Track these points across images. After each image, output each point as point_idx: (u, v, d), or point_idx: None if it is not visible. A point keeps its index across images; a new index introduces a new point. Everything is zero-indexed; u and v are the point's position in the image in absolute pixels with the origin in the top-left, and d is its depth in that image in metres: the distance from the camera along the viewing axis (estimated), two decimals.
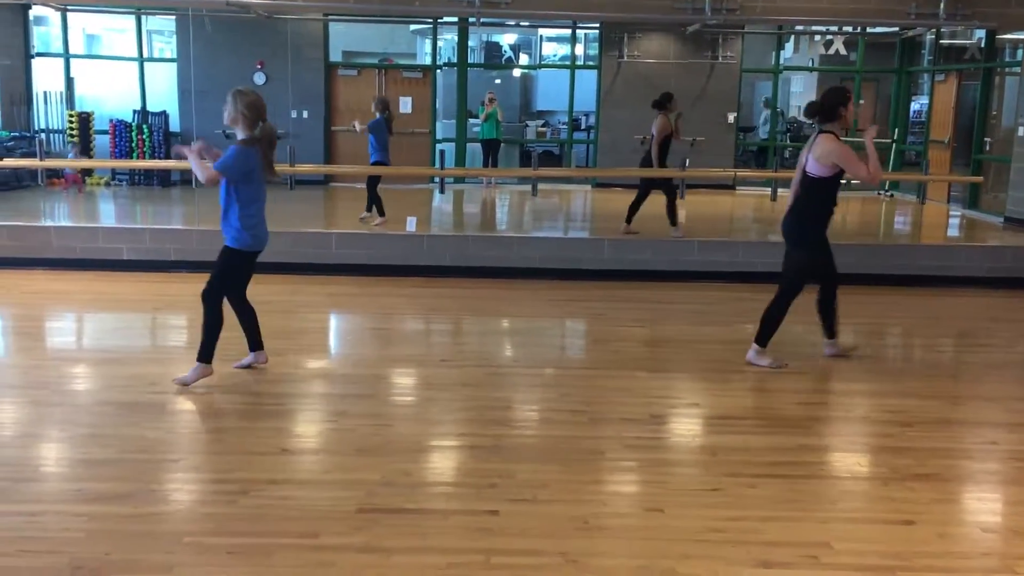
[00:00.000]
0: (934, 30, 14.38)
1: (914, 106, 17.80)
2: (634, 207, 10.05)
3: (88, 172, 14.11)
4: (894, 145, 15.64)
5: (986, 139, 13.53)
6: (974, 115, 13.66)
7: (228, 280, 5.45)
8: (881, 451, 4.68)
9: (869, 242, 10.08)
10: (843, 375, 5.98)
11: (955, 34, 15.25)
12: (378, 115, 10.33)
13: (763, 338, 6.00)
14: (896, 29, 14.91)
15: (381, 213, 10.34)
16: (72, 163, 13.32)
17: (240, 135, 5.19)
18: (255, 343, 5.68)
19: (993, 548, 3.63)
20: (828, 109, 5.76)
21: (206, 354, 5.31)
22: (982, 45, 13.74)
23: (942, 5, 11.26)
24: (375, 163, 10.47)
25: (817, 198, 5.85)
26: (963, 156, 14.34)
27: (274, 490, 3.97)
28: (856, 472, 4.44)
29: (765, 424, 4.99)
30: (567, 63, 16.63)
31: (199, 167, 5.20)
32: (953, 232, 11.96)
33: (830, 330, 6.25)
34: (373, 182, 10.51)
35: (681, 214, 10.21)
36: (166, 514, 3.79)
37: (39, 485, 4.07)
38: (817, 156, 5.70)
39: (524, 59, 20.29)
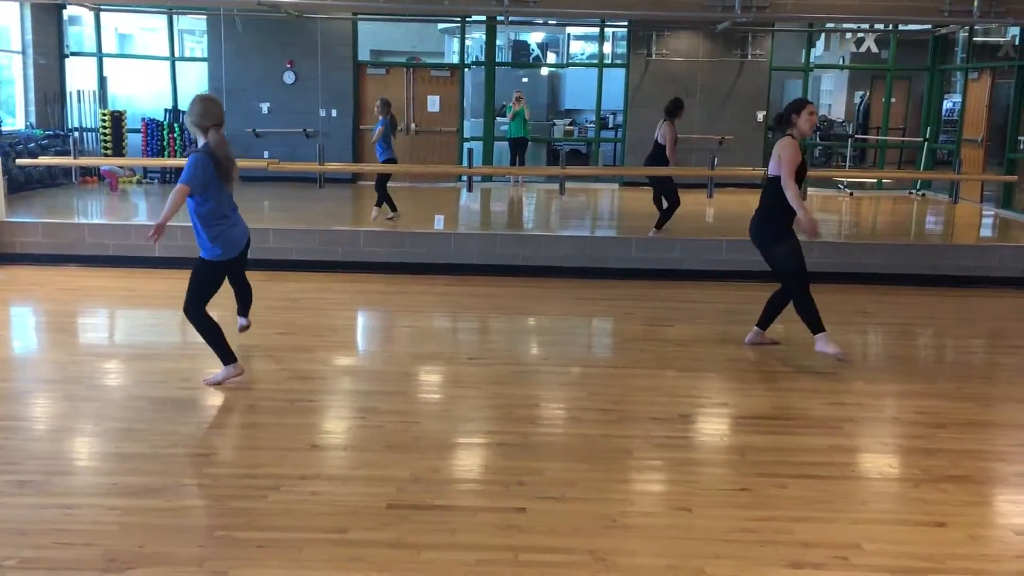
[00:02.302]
0: (967, 28, 14.21)
1: (947, 104, 17.60)
2: (667, 213, 10.08)
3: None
4: (926, 144, 15.47)
5: (1020, 138, 13.34)
6: (1008, 113, 13.49)
7: (204, 291, 5.31)
8: (913, 452, 4.63)
9: (901, 242, 9.98)
10: (874, 376, 5.93)
11: (989, 32, 15.07)
12: (381, 118, 10.52)
13: (815, 326, 5.99)
14: (929, 27, 14.75)
15: (393, 208, 10.54)
16: (104, 161, 13.47)
17: (200, 142, 5.19)
18: (243, 310, 6.01)
19: None
20: (783, 119, 6.05)
21: (224, 357, 5.34)
22: (1016, 43, 13.56)
23: (976, 2, 11.11)
24: (387, 161, 10.63)
25: (778, 205, 5.97)
26: (996, 155, 14.16)
27: (304, 485, 4.00)
28: (887, 473, 4.40)
29: (795, 424, 4.95)
30: (595, 62, 16.59)
31: (168, 212, 5.02)
32: (986, 232, 11.82)
33: (811, 326, 6.08)
34: (384, 180, 10.69)
35: (709, 213, 10.15)
36: (198, 508, 3.84)
37: (74, 479, 4.13)
38: (776, 157, 5.91)
39: (552, 58, 20.27)
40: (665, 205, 10.15)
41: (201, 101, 5.25)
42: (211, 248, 5.24)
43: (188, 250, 8.96)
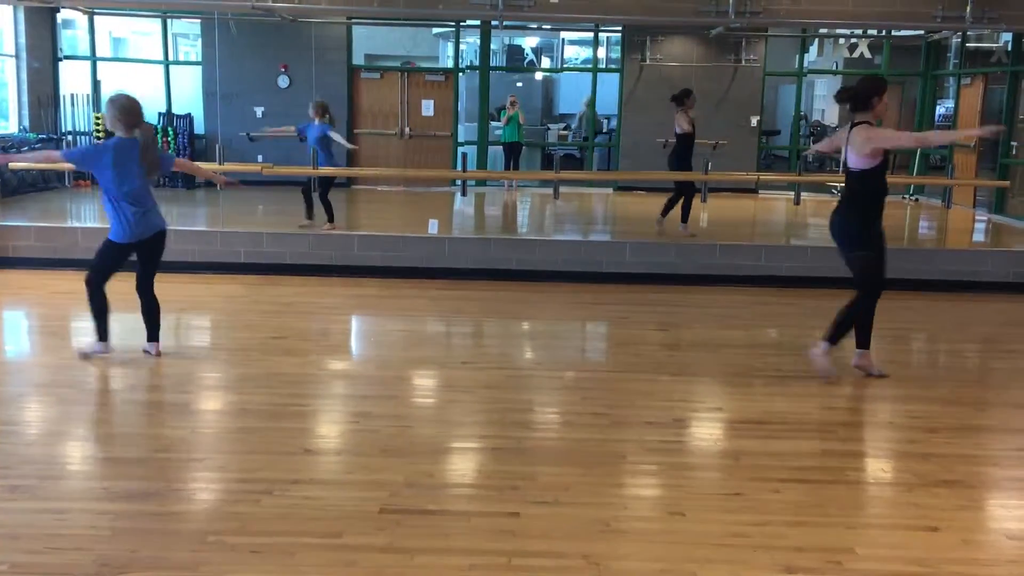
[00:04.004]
0: (960, 33, 14.26)
1: (939, 110, 17.64)
2: (685, 208, 10.14)
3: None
4: (919, 149, 15.51)
5: (1012, 143, 13.40)
6: (1000, 119, 13.51)
7: (104, 268, 5.76)
8: (906, 457, 4.64)
9: (894, 246, 9.98)
10: (868, 381, 5.94)
11: (981, 37, 15.12)
12: (319, 121, 10.10)
13: (836, 336, 5.72)
14: (922, 32, 14.80)
15: (310, 216, 10.10)
16: None
17: (118, 135, 5.58)
18: (150, 332, 5.98)
19: (1019, 556, 3.59)
20: (861, 97, 5.54)
21: (100, 334, 5.73)
22: (1009, 48, 13.61)
23: (968, 8, 11.15)
24: (327, 166, 10.15)
25: (862, 193, 5.68)
26: (989, 160, 14.21)
27: (297, 490, 3.99)
28: (881, 478, 4.41)
29: (789, 429, 4.96)
30: (589, 66, 16.61)
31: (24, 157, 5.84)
32: (979, 237, 11.86)
33: (833, 335, 5.81)
34: (327, 186, 10.14)
35: (703, 217, 10.19)
36: (191, 513, 3.83)
37: (66, 483, 4.12)
38: (856, 148, 5.52)
39: (546, 62, 20.30)
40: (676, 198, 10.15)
41: (126, 99, 5.61)
42: (115, 229, 5.66)
43: (182, 254, 9.00)
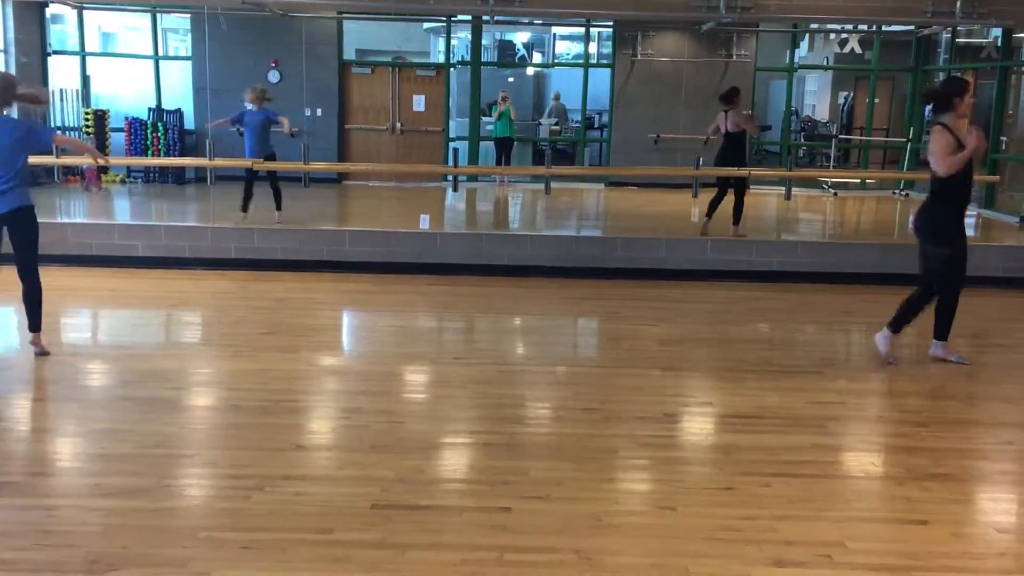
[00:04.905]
0: (950, 29, 14.30)
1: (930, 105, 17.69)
2: (737, 209, 9.94)
3: (104, 169, 14.20)
4: (909, 144, 15.56)
5: (1002, 138, 13.44)
6: (990, 114, 13.57)
7: None
8: (896, 451, 4.66)
9: (884, 241, 10.03)
10: (857, 374, 5.96)
11: (971, 33, 15.16)
12: (255, 107, 9.89)
13: (942, 331, 6.04)
14: (912, 27, 14.83)
15: (245, 209, 9.98)
16: (87, 160, 13.36)
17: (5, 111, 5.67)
18: (31, 321, 5.83)
19: (1008, 548, 3.62)
20: (943, 98, 5.70)
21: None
22: (998, 44, 13.65)
23: (958, 4, 11.20)
24: (267, 158, 9.97)
25: (942, 194, 5.79)
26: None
27: (289, 486, 3.99)
28: (871, 472, 4.42)
29: (779, 423, 4.97)
30: (581, 61, 16.61)
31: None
32: (969, 232, 11.87)
33: (896, 323, 6.11)
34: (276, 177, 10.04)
35: (695, 212, 10.18)
36: (181, 509, 3.82)
37: (56, 480, 4.11)
38: (930, 151, 5.69)
39: (537, 57, 20.28)
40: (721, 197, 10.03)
41: (5, 76, 5.81)
42: None
43: (173, 249, 8.98)
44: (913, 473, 4.29)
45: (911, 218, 6.08)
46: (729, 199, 9.81)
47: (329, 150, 14.79)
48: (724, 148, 10.06)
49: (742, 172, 9.88)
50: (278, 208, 10.05)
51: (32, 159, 11.22)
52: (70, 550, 3.38)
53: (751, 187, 10.26)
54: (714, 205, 9.89)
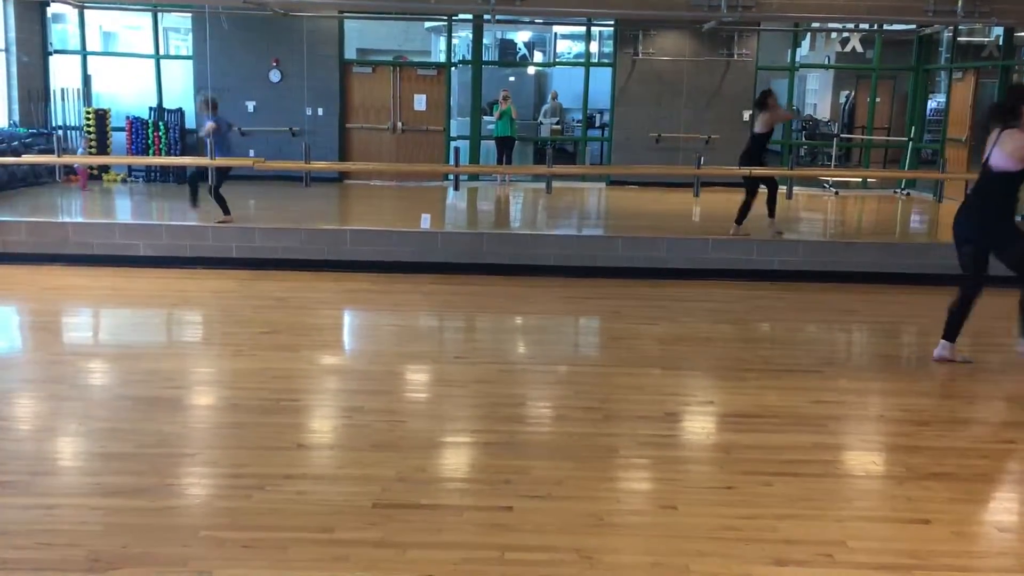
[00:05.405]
0: (952, 28, 14.28)
1: (931, 104, 17.68)
2: (770, 204, 10.03)
3: (104, 169, 14.20)
4: (910, 143, 15.55)
5: None
6: None
7: None
8: (897, 450, 4.66)
9: (886, 240, 10.03)
10: (858, 374, 5.96)
11: (973, 32, 15.15)
12: (209, 114, 9.84)
13: (951, 334, 6.08)
14: (913, 27, 14.82)
15: (227, 211, 9.81)
16: (89, 159, 13.38)
17: None
18: None
19: (1009, 548, 3.61)
20: (1010, 110, 5.76)
21: None
22: (1000, 43, 13.65)
23: (960, 3, 11.17)
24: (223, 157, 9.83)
25: (1000, 192, 5.81)
26: (980, 154, 14.21)
27: (289, 485, 3.99)
28: (872, 471, 4.42)
29: (780, 422, 4.97)
30: (582, 60, 16.60)
31: None
32: None
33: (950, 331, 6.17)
34: (221, 180, 9.84)
35: (696, 212, 10.18)
36: (182, 508, 3.82)
37: (57, 479, 4.11)
38: (1009, 151, 5.68)
39: (538, 57, 20.27)
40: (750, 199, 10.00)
41: None
42: None
43: (174, 249, 8.99)
44: (914, 472, 4.29)
45: (961, 228, 6.04)
46: (759, 200, 9.88)
47: (330, 149, 14.79)
48: (751, 147, 10.09)
49: (743, 171, 9.88)
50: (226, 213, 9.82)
51: (32, 159, 11.23)
52: (71, 549, 3.38)
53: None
54: (744, 211, 9.85)
